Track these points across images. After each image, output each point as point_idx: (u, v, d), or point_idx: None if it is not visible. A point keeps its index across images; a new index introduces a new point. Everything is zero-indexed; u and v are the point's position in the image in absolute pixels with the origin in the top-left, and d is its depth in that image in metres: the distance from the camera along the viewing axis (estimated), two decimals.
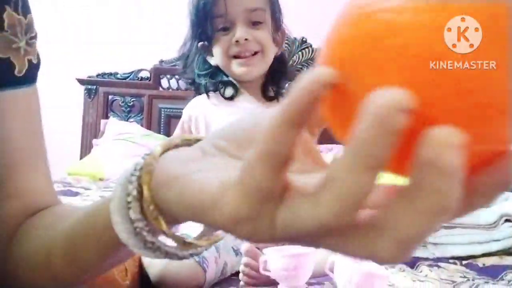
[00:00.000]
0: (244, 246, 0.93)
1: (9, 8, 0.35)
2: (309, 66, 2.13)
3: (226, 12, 1.00)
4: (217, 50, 1.04)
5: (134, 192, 0.25)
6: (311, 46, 2.09)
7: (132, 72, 2.29)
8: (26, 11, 0.37)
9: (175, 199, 0.23)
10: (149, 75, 2.29)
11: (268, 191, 0.19)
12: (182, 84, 2.32)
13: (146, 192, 0.25)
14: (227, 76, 1.10)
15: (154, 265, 0.88)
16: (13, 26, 0.35)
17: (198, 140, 0.28)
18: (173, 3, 2.33)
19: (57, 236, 0.33)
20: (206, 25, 1.01)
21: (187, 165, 0.24)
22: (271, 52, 1.09)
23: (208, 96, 1.13)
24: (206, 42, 1.05)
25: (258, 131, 0.19)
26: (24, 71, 0.36)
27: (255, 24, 1.02)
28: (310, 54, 2.10)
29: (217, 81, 1.11)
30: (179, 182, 0.23)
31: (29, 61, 0.37)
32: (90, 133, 2.24)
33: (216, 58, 1.07)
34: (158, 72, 2.28)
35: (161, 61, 2.30)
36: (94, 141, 2.15)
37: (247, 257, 0.92)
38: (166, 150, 0.27)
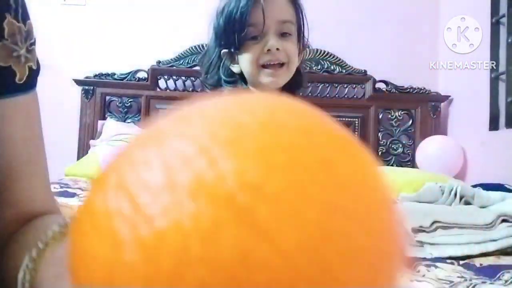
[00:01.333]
0: None
1: (9, 16, 0.35)
2: (307, 67, 2.14)
3: (264, 22, 1.03)
4: (245, 58, 1.08)
5: None
6: (309, 47, 2.10)
7: (130, 72, 2.28)
8: (25, 17, 0.37)
9: None
10: (146, 76, 2.28)
11: None
12: (180, 84, 2.32)
13: None
14: (246, 83, 1.14)
15: None
16: (13, 34, 0.35)
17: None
18: (171, 4, 2.33)
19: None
20: (239, 33, 1.04)
21: None
22: (295, 64, 1.13)
23: None
24: (232, 49, 1.09)
25: None
26: (24, 78, 0.36)
27: (283, 35, 1.06)
28: (308, 55, 2.11)
29: (237, 89, 1.14)
30: None
31: (30, 67, 0.37)
32: (87, 134, 2.23)
33: (242, 65, 1.10)
34: (156, 73, 2.28)
35: (159, 62, 2.30)
36: (91, 142, 2.15)
37: None
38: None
